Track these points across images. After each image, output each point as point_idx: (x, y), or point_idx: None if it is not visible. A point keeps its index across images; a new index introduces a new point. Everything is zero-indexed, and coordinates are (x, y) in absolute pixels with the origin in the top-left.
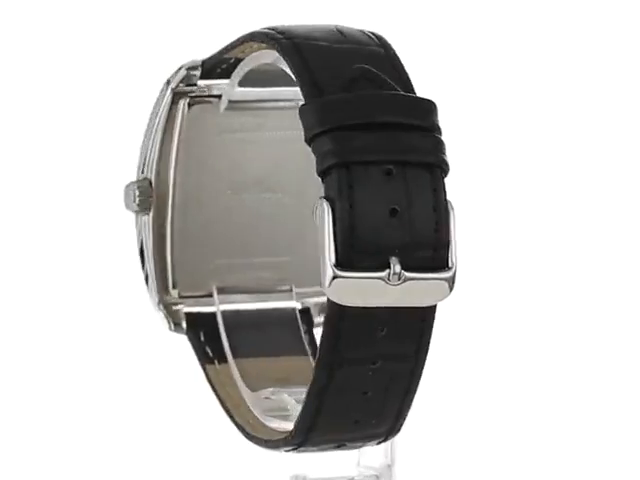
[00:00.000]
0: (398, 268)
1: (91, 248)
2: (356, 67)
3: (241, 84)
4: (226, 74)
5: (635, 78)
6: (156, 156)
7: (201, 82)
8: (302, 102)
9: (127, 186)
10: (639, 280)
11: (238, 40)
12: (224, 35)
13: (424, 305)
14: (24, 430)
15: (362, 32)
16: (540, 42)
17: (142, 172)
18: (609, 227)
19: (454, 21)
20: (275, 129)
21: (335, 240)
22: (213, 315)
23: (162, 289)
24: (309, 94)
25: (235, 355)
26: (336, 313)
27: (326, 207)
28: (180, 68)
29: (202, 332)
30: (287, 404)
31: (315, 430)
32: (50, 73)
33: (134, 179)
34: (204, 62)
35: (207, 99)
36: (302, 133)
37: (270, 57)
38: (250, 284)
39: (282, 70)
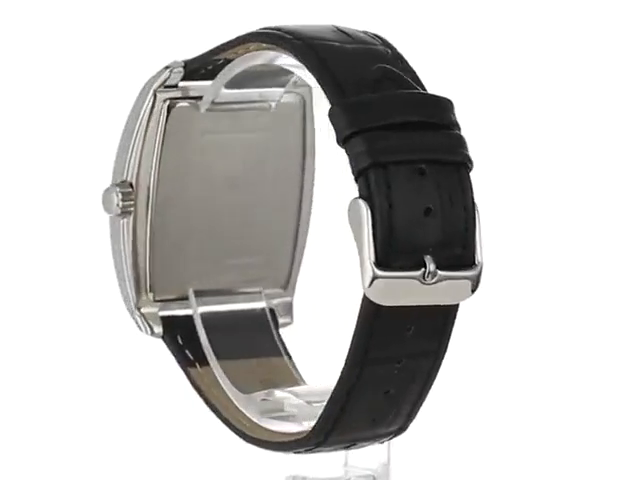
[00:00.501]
0: (433, 267)
1: (59, 253)
2: (377, 67)
3: (227, 86)
4: (210, 75)
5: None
6: (137, 159)
7: (182, 83)
8: (280, 103)
9: (107, 189)
10: None
11: (235, 40)
12: (205, 36)
13: (454, 303)
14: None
15: (364, 32)
16: (533, 40)
17: (123, 175)
18: (609, 227)
19: (445, 21)
20: (250, 130)
21: (375, 240)
22: (190, 318)
23: (138, 294)
24: (335, 96)
25: (217, 357)
26: (371, 312)
27: (365, 207)
28: (162, 69)
29: (179, 335)
30: (284, 405)
31: (335, 430)
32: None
33: (113, 182)
34: (187, 63)
35: (188, 101)
36: (275, 134)
37: (266, 58)
38: (224, 286)
39: (267, 71)
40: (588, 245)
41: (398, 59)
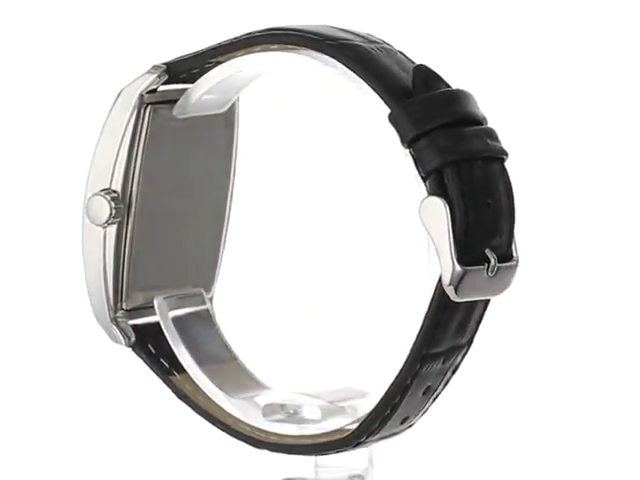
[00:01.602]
0: (495, 260)
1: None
2: (416, 66)
3: (210, 91)
4: (192, 79)
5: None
6: (123, 166)
7: (162, 87)
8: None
9: (95, 198)
10: None
11: (243, 41)
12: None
13: (500, 295)
14: None
15: (366, 33)
16: (527, 40)
17: (108, 182)
18: (609, 227)
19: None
20: (210, 136)
21: (454, 236)
22: (158, 325)
23: (115, 304)
24: (392, 99)
25: (193, 362)
26: (442, 308)
27: (444, 205)
28: (146, 73)
29: (150, 344)
30: (302, 408)
31: (379, 429)
32: None
33: (96, 189)
34: (170, 66)
35: (165, 105)
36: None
37: (269, 61)
38: (185, 290)
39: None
40: (588, 245)
41: (408, 59)
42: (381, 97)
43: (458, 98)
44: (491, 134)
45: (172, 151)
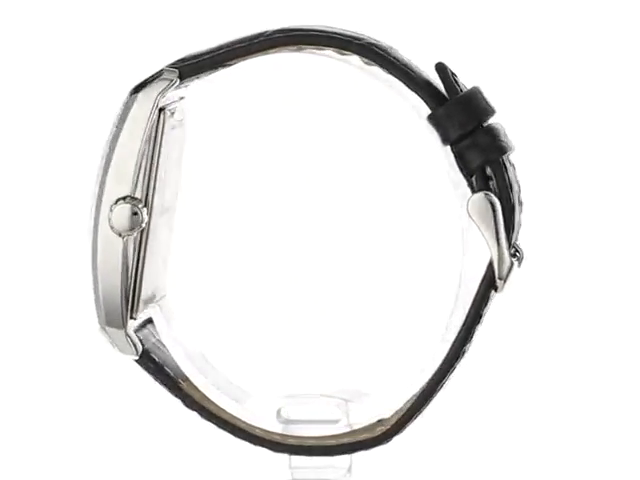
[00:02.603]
0: (522, 253)
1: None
2: (438, 64)
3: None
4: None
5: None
6: (145, 172)
7: (175, 92)
8: None
9: (115, 206)
10: None
11: (257, 44)
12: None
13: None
14: None
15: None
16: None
17: (130, 189)
18: (610, 227)
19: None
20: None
21: (507, 231)
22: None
23: (127, 314)
24: (433, 99)
25: (196, 372)
26: (486, 301)
27: (496, 200)
28: (161, 76)
29: (154, 354)
30: (330, 409)
31: (413, 422)
32: None
33: (117, 197)
34: (181, 71)
35: (172, 107)
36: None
37: (287, 62)
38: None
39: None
40: (587, 246)
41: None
42: (422, 98)
43: (481, 95)
44: (504, 131)
45: (174, 153)
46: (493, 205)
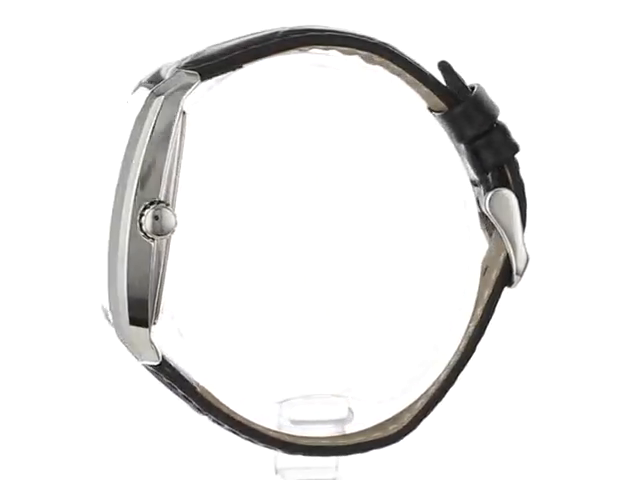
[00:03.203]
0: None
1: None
2: (442, 63)
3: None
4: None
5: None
6: (171, 175)
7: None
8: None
9: (159, 209)
10: None
11: (274, 45)
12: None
13: None
14: None
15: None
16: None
17: (158, 193)
18: (610, 227)
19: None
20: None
21: (523, 226)
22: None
23: (153, 320)
24: (449, 100)
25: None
26: (498, 297)
27: (515, 197)
28: (187, 78)
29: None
30: (350, 409)
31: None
32: None
33: (145, 200)
34: (201, 73)
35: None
36: None
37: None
38: None
39: None
40: (588, 245)
41: None
42: (439, 97)
43: (487, 94)
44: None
45: (186, 154)
46: (513, 201)
